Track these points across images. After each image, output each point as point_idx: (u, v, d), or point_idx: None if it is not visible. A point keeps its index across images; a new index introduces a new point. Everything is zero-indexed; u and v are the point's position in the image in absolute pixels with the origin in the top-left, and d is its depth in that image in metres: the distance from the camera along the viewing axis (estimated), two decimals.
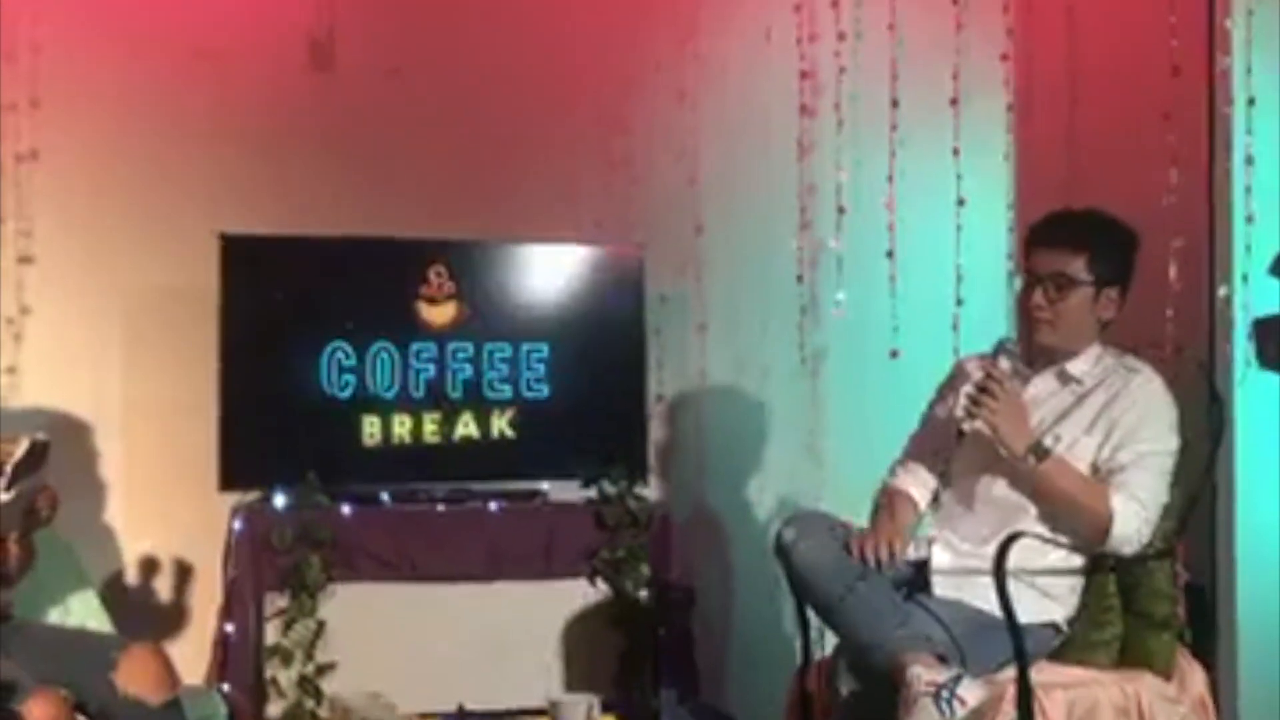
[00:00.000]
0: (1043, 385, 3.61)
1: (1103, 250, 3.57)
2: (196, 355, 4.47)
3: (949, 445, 3.58)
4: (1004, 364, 3.57)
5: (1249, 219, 4.21)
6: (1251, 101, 4.17)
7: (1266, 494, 4.36)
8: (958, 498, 3.61)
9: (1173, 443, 3.53)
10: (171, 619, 4.57)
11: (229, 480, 4.40)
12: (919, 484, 3.69)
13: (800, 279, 4.92)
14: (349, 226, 4.59)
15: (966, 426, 3.50)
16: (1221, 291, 4.33)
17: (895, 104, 4.78)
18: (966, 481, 3.59)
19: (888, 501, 3.68)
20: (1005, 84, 4.89)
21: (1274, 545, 4.36)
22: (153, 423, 4.65)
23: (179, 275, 4.62)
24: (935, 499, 3.68)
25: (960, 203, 4.79)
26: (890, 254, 4.79)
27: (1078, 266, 3.55)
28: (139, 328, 4.68)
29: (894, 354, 4.72)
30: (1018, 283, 3.65)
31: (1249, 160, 4.17)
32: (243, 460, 4.41)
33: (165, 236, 4.66)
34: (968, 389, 3.54)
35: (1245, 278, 4.26)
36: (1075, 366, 3.60)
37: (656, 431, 4.86)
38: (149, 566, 4.61)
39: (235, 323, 4.42)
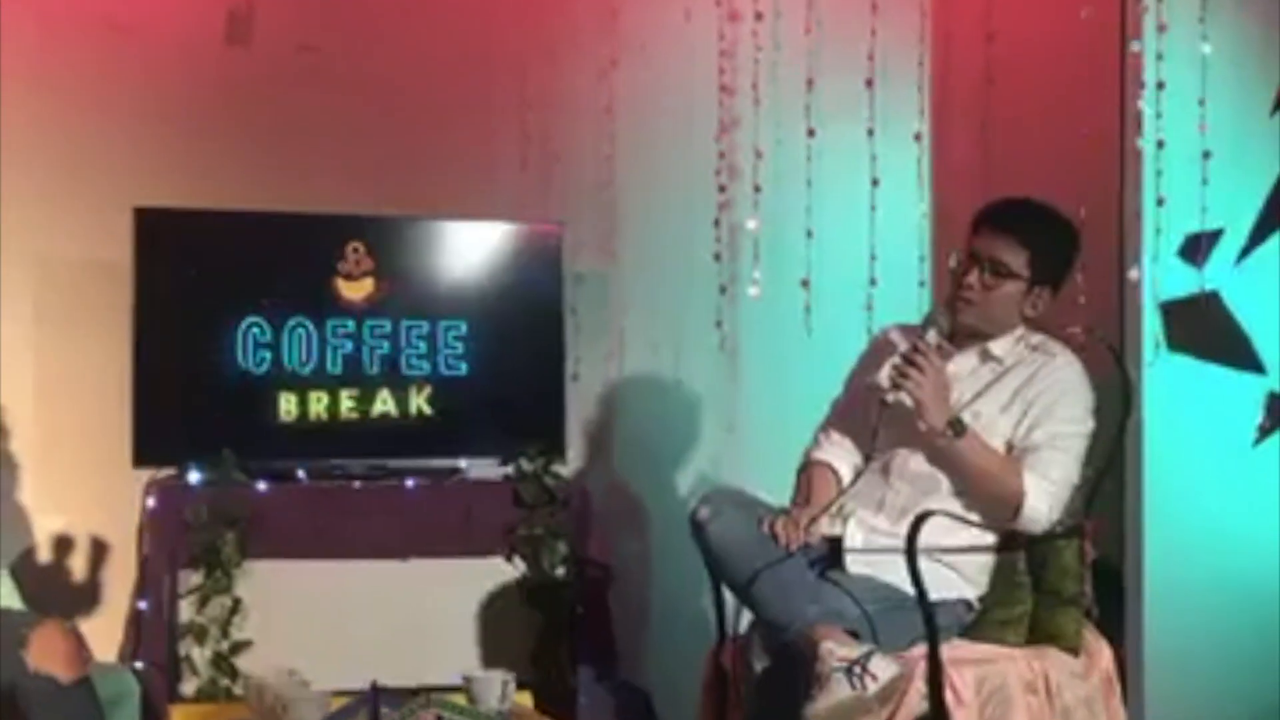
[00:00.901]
0: (964, 362, 3.64)
1: (1046, 251, 3.60)
2: (110, 330, 4.43)
3: (872, 415, 3.59)
4: (931, 337, 3.58)
5: (1159, 202, 4.27)
6: (1161, 85, 4.23)
7: (1174, 474, 4.43)
8: (875, 469, 3.61)
9: (1087, 425, 3.57)
10: (84, 596, 4.53)
11: (143, 456, 4.37)
12: (842, 454, 3.69)
13: (718, 258, 4.93)
14: (266, 202, 4.56)
15: (890, 398, 3.51)
16: (1132, 274, 4.38)
17: (811, 84, 4.79)
18: (885, 455, 3.60)
19: (808, 477, 3.68)
20: (920, 65, 4.92)
21: (1181, 524, 4.43)
22: (65, 398, 4.60)
23: (92, 249, 4.57)
24: (858, 470, 3.67)
25: (874, 183, 4.82)
26: (810, 234, 4.81)
27: (1019, 261, 3.57)
28: (51, 302, 4.63)
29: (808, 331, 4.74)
30: (954, 259, 3.65)
31: (1160, 144, 4.22)
32: (157, 436, 4.37)
33: (79, 210, 4.60)
34: (894, 360, 3.56)
35: (1155, 260, 4.32)
36: (997, 346, 3.63)
37: (574, 409, 4.86)
38: (61, 543, 4.56)
39: (149, 297, 4.38)
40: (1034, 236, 3.59)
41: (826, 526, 3.57)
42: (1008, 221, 3.61)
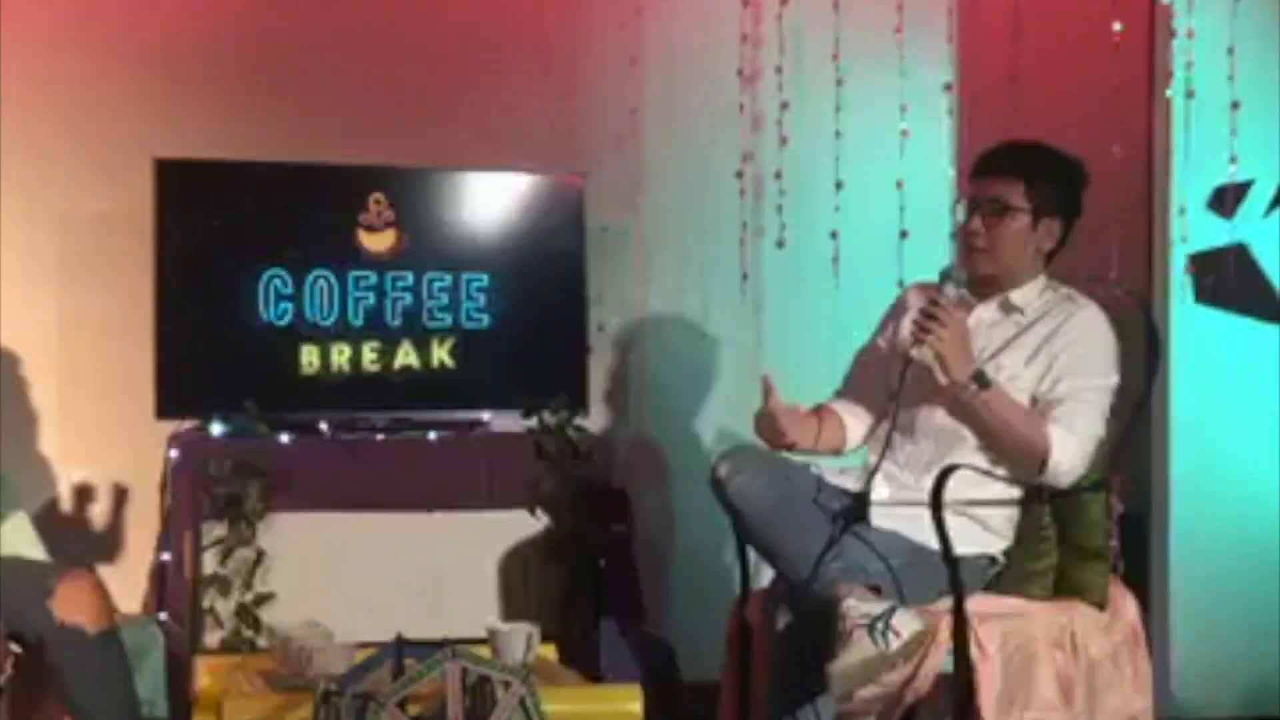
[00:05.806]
0: (986, 314, 3.60)
1: (1042, 178, 3.55)
2: (132, 282, 4.43)
3: (891, 373, 3.57)
4: (949, 291, 3.54)
5: (1187, 154, 4.23)
6: (1191, 34, 4.18)
7: (1201, 427, 4.41)
8: (899, 426, 3.58)
9: (1112, 378, 3.53)
10: (107, 548, 4.55)
11: (166, 408, 4.37)
12: (853, 414, 3.70)
13: (743, 209, 4.90)
14: (287, 153, 4.55)
15: (914, 353, 3.47)
16: (1160, 225, 4.35)
17: (838, 34, 4.75)
18: (908, 410, 3.57)
19: (815, 408, 3.69)
20: (949, 15, 4.86)
21: (1207, 477, 4.41)
22: (88, 351, 4.61)
23: (113, 200, 4.57)
24: (870, 432, 3.68)
25: (903, 134, 4.78)
26: (838, 185, 4.77)
27: (1015, 193, 3.53)
28: (73, 254, 4.63)
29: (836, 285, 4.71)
30: (960, 212, 3.63)
31: (1189, 94, 4.18)
32: (180, 388, 4.37)
33: (99, 161, 4.60)
34: (913, 316, 3.53)
35: (1183, 211, 4.28)
36: (1019, 296, 3.58)
37: (597, 362, 4.85)
38: (85, 494, 4.58)
39: (171, 249, 4.36)
40: (1026, 166, 3.55)
41: (852, 483, 3.56)
42: (996, 160, 3.59)
